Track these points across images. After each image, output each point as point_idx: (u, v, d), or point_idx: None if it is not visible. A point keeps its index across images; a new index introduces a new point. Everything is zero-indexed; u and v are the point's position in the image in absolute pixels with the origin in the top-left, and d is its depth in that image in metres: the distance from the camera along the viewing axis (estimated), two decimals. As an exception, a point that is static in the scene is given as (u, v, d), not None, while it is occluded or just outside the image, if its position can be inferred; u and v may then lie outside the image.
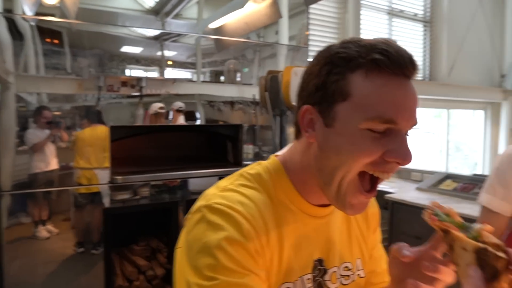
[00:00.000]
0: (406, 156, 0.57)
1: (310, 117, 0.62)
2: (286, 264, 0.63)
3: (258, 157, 2.34)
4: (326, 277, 0.70)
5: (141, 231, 2.26)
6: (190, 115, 2.18)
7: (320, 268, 0.69)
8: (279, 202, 0.65)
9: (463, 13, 4.71)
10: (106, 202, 1.90)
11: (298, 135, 0.67)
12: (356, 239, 0.78)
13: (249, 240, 0.57)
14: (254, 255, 0.57)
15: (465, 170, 5.65)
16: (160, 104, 2.07)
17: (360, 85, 0.57)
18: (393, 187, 2.93)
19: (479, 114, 5.66)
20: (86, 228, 1.87)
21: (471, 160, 5.85)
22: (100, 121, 1.88)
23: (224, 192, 0.63)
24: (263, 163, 0.70)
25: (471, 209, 2.29)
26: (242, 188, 0.64)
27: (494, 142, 5.56)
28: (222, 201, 0.60)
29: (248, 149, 2.36)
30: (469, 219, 1.76)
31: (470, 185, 2.74)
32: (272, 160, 0.70)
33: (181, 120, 2.16)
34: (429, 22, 4.61)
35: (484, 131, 5.63)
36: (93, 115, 1.87)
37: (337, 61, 0.59)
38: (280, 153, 0.73)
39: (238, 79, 2.37)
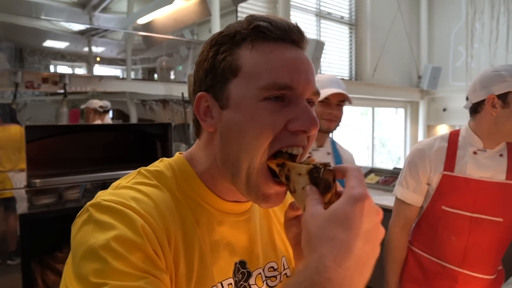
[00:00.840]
0: (310, 122, 0.53)
1: (206, 105, 0.57)
2: (200, 269, 0.56)
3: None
4: (251, 281, 0.63)
5: (66, 236, 2.13)
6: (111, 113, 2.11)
7: (243, 271, 0.63)
8: (186, 199, 0.58)
9: (384, 18, 5.04)
10: (23, 207, 1.76)
11: (198, 131, 0.62)
12: (279, 235, 0.71)
13: (144, 239, 0.48)
14: (152, 256, 0.49)
15: (390, 164, 6.06)
16: (100, 102, 1.98)
17: (248, 57, 0.54)
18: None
19: (401, 112, 6.10)
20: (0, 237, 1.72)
21: (395, 154, 6.28)
22: (14, 120, 1.75)
23: (117, 191, 0.55)
24: (166, 160, 0.63)
25: (391, 200, 2.45)
26: (139, 186, 0.56)
27: (414, 137, 6.02)
28: (112, 198, 0.51)
29: (180, 147, 2.33)
30: (389, 210, 1.88)
31: (391, 178, 2.95)
32: (176, 157, 0.64)
33: (107, 120, 2.08)
34: (354, 25, 4.87)
35: (405, 128, 6.08)
36: (6, 114, 1.73)
37: (222, 39, 0.56)
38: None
39: (172, 77, 2.32)
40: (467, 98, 1.39)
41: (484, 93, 1.31)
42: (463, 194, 1.34)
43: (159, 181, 0.58)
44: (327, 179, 0.47)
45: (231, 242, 0.62)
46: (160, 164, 0.62)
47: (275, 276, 0.67)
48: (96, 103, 2.00)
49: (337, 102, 1.52)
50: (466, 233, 1.34)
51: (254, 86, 0.53)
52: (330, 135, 1.66)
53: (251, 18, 0.55)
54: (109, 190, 0.56)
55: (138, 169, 0.61)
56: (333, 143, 1.64)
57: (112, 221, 0.49)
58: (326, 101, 1.51)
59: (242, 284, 0.62)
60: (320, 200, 0.46)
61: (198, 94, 0.57)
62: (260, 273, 0.65)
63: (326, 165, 0.48)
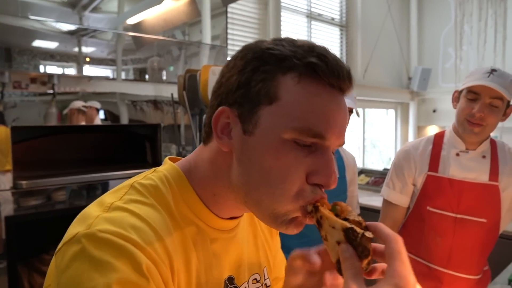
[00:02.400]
0: (331, 179, 0.50)
1: (227, 121, 0.52)
2: (202, 287, 0.54)
3: (181, 156, 2.30)
4: None
5: (54, 238, 2.11)
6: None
7: (230, 287, 0.61)
8: (183, 219, 0.54)
9: (375, 20, 5.07)
10: (9, 209, 1.74)
11: (207, 139, 0.57)
12: (262, 246, 0.71)
13: (150, 281, 0.43)
14: None
15: (381, 165, 6.10)
16: (82, 102, 1.96)
17: (291, 90, 0.49)
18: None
19: (391, 113, 6.14)
20: (-15, 239, 1.69)
21: (385, 155, 6.32)
22: (0, 121, 1.72)
23: (111, 213, 0.48)
24: (160, 170, 0.58)
25: (380, 201, 2.47)
26: (134, 205, 0.50)
27: (404, 138, 6.07)
28: (110, 228, 0.45)
29: (170, 148, 2.32)
30: (379, 211, 1.89)
31: (380, 179, 2.97)
32: (171, 167, 0.58)
33: (97, 120, 2.06)
34: (345, 26, 4.90)
35: (395, 129, 6.12)
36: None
37: (268, 58, 0.51)
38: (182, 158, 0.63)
39: (164, 77, 2.31)
40: None
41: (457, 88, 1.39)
42: (447, 195, 1.36)
43: (155, 199, 0.53)
44: (365, 246, 0.45)
45: (222, 258, 0.59)
46: (154, 177, 0.56)
47: (259, 287, 0.67)
48: (78, 103, 1.97)
49: None
50: (450, 233, 1.35)
51: (288, 123, 0.49)
52: None
53: (308, 49, 0.50)
54: (100, 211, 0.49)
55: (130, 181, 0.56)
56: None
57: (112, 259, 0.43)
58: None
59: None
60: (360, 270, 0.44)
61: (222, 107, 0.52)
62: (246, 287, 0.64)
63: (361, 225, 0.47)
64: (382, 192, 1.51)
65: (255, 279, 0.67)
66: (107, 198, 0.52)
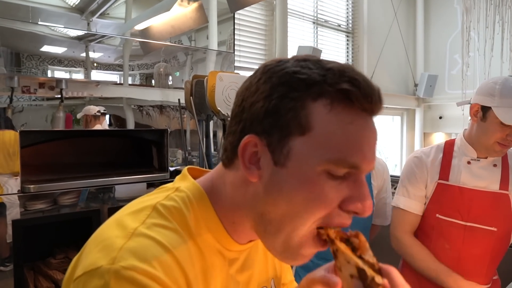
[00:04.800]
0: (366, 206, 0.49)
1: (254, 150, 0.50)
2: None
3: (186, 162, 2.31)
4: None
5: (60, 242, 2.12)
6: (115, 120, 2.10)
7: None
8: (205, 245, 0.52)
9: (381, 27, 5.07)
10: (16, 213, 1.75)
11: (228, 163, 0.55)
12: (271, 257, 0.70)
13: None
14: None
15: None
16: (97, 108, 1.98)
17: (324, 119, 0.47)
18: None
19: (397, 120, 6.12)
20: (-7, 242, 1.70)
21: (391, 162, 6.29)
22: (9, 125, 1.74)
23: (134, 241, 0.46)
24: (183, 190, 0.55)
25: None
26: (158, 231, 0.48)
27: (410, 145, 6.04)
28: (135, 264, 0.43)
29: (176, 154, 2.33)
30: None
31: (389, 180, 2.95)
32: (194, 187, 0.55)
33: (104, 125, 2.07)
34: (351, 33, 4.90)
35: (401, 135, 6.09)
36: (1, 119, 1.72)
37: (296, 83, 0.48)
38: (201, 175, 0.60)
39: (170, 82, 2.32)
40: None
41: (474, 99, 1.33)
42: (457, 203, 1.35)
43: (179, 223, 0.51)
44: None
45: (237, 280, 0.59)
46: (178, 198, 0.54)
47: None
48: (93, 109, 2.00)
49: None
50: (460, 241, 1.34)
51: (322, 155, 0.47)
52: None
53: (339, 73, 0.47)
54: (122, 237, 0.47)
55: (152, 199, 0.53)
56: None
57: None
58: None
59: None
60: None
61: (248, 136, 0.49)
62: None
63: (375, 267, 0.48)
64: (396, 202, 1.46)
65: None
66: (129, 221, 0.50)
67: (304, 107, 0.47)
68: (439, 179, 1.38)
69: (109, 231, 0.49)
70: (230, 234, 0.55)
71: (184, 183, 0.57)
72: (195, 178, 0.59)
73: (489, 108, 1.26)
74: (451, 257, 1.35)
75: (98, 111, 2.00)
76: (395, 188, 2.84)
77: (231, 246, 0.56)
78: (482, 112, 1.29)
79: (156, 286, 0.43)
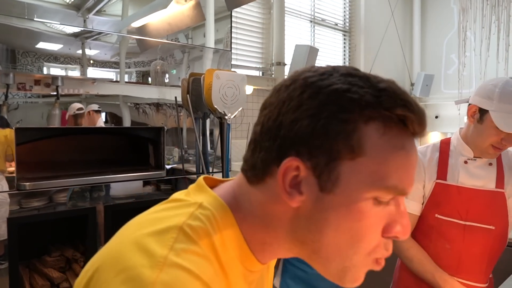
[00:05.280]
0: (406, 229, 0.47)
1: (295, 174, 0.46)
2: None
3: (182, 160, 2.31)
4: None
5: (55, 240, 2.11)
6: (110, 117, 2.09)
7: None
8: (230, 266, 0.48)
9: (378, 26, 5.08)
10: (12, 210, 1.74)
11: (257, 181, 0.50)
12: (268, 280, 0.67)
13: None
14: None
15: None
16: (79, 105, 1.95)
17: (376, 143, 0.44)
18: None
19: (393, 119, 6.14)
20: (-12, 240, 1.69)
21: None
22: (5, 122, 1.73)
23: (166, 273, 0.41)
24: (205, 205, 0.50)
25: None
26: (189, 260, 0.43)
27: (406, 145, 6.06)
28: None
29: (173, 152, 2.33)
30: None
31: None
32: (218, 203, 0.50)
33: (99, 122, 2.06)
34: (348, 31, 4.91)
35: (398, 134, 6.12)
36: (-3, 116, 1.71)
37: (347, 103, 0.44)
38: (219, 187, 0.55)
39: (167, 80, 2.32)
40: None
41: (472, 100, 1.31)
42: (455, 202, 1.35)
43: (207, 247, 0.46)
44: None
45: None
46: (203, 217, 0.48)
47: None
48: (74, 107, 1.97)
49: None
50: (460, 241, 1.34)
51: (374, 183, 0.44)
52: None
53: (392, 95, 0.45)
54: (154, 268, 0.41)
55: (179, 222, 0.47)
56: None
57: None
58: None
59: None
60: None
61: (290, 159, 0.45)
62: None
63: None
64: None
65: None
66: (154, 245, 0.44)
67: (356, 130, 0.44)
68: (437, 179, 1.38)
69: (131, 256, 0.43)
70: (255, 254, 0.51)
71: (205, 197, 0.51)
72: (211, 188, 0.54)
73: (487, 111, 1.25)
74: (452, 257, 1.36)
75: (79, 109, 1.98)
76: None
77: (254, 267, 0.52)
78: (480, 114, 1.28)
79: None
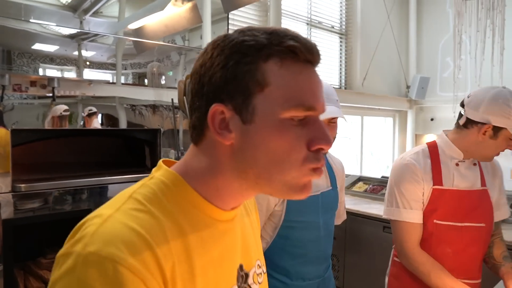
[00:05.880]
0: (328, 140, 0.56)
1: (222, 117, 0.55)
2: (209, 281, 0.57)
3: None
4: (249, 281, 0.66)
5: (51, 242, 2.10)
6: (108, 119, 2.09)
7: (242, 274, 0.64)
8: (189, 218, 0.56)
9: (374, 29, 5.11)
10: (7, 212, 1.73)
11: (197, 139, 0.59)
12: (257, 233, 0.75)
13: None
14: None
15: (378, 172, 6.11)
16: (64, 107, 1.94)
17: (277, 74, 0.53)
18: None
19: (389, 121, 6.16)
20: (-17, 242, 1.68)
21: (383, 163, 6.33)
22: (0, 123, 1.72)
23: (104, 226, 0.50)
24: (156, 177, 0.59)
25: (379, 209, 2.48)
26: (129, 215, 0.52)
27: (402, 146, 6.08)
28: (101, 248, 0.47)
29: (169, 153, 2.32)
30: (377, 219, 1.87)
31: (378, 187, 2.97)
32: (167, 172, 0.59)
33: (95, 124, 2.06)
34: (345, 34, 4.93)
35: (393, 137, 6.14)
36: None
37: (246, 49, 0.54)
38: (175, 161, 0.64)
39: (163, 82, 2.32)
40: (462, 105, 1.38)
41: (484, 119, 1.30)
42: (453, 205, 1.36)
43: (153, 205, 0.54)
44: None
45: (231, 249, 0.63)
46: (152, 184, 0.57)
47: (260, 273, 0.71)
48: (59, 108, 1.96)
49: (328, 120, 1.30)
50: (458, 243, 1.36)
51: (283, 105, 0.53)
52: None
53: (281, 34, 0.54)
54: (98, 225, 0.50)
55: (130, 192, 0.56)
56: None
57: (97, 284, 0.45)
58: None
59: (243, 286, 0.64)
60: None
61: (214, 106, 0.54)
62: (254, 271, 0.68)
63: None
64: (398, 216, 1.40)
65: (258, 264, 0.71)
66: (105, 210, 0.53)
67: (258, 68, 0.53)
68: (433, 185, 1.37)
69: (88, 221, 0.52)
70: (213, 202, 0.59)
71: (160, 172, 0.60)
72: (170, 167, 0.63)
73: (503, 128, 1.28)
74: (453, 259, 1.36)
75: (65, 110, 1.97)
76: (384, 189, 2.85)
77: (217, 215, 0.60)
78: (493, 132, 1.29)
79: (119, 267, 0.46)
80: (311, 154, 0.55)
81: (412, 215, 1.38)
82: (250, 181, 0.57)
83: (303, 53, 0.54)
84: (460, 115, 1.39)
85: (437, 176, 1.38)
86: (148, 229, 0.51)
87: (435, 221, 1.37)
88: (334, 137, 1.38)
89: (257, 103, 0.53)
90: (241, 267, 0.64)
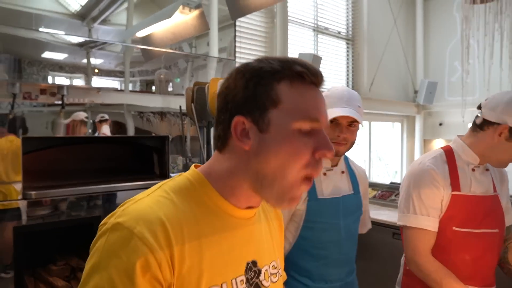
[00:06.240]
0: (331, 148, 0.67)
1: (243, 127, 0.67)
2: (211, 268, 0.66)
3: (187, 168, 2.31)
4: (261, 277, 0.75)
5: (61, 249, 2.11)
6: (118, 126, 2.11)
7: (255, 269, 0.74)
8: (203, 210, 0.68)
9: (381, 34, 5.10)
10: (18, 219, 1.75)
11: (221, 147, 0.71)
12: (276, 239, 0.85)
13: (146, 268, 0.58)
14: (154, 283, 0.59)
15: (387, 178, 6.07)
16: (85, 114, 1.98)
17: (288, 93, 0.66)
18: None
19: (397, 126, 6.13)
20: (-6, 249, 1.70)
21: (391, 168, 6.29)
22: (11, 131, 1.74)
23: (132, 206, 0.65)
24: (184, 174, 0.72)
25: (388, 215, 2.46)
26: (153, 199, 0.66)
27: (410, 152, 6.04)
28: (125, 220, 0.61)
29: (177, 160, 2.33)
30: (386, 225, 1.86)
31: (387, 193, 2.95)
32: (193, 172, 0.72)
33: (105, 131, 2.08)
34: (351, 40, 4.93)
35: (401, 142, 6.10)
36: (3, 125, 1.73)
37: (263, 74, 0.66)
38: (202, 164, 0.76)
39: (170, 89, 2.33)
40: (479, 107, 1.37)
41: (501, 119, 1.28)
42: (469, 212, 1.34)
43: (176, 195, 0.68)
44: None
45: (244, 243, 0.73)
46: (179, 179, 0.72)
47: (275, 273, 0.79)
48: (81, 114, 1.99)
49: (347, 123, 1.34)
50: (476, 250, 1.34)
51: (292, 118, 0.65)
52: None
53: (292, 62, 0.67)
54: (129, 204, 0.65)
55: (161, 183, 0.71)
56: (346, 159, 1.55)
57: (118, 249, 0.59)
58: (335, 121, 1.34)
59: (254, 281, 0.73)
60: None
61: (236, 117, 0.66)
62: (266, 270, 0.77)
63: None
64: (408, 221, 1.37)
65: (273, 265, 0.80)
66: (139, 195, 0.68)
67: (272, 89, 0.66)
68: (452, 191, 1.35)
69: (125, 203, 0.67)
70: (228, 199, 0.70)
71: (188, 172, 0.73)
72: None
73: None
74: (471, 267, 1.33)
75: (86, 117, 1.99)
76: (396, 195, 2.83)
77: (230, 210, 0.71)
78: (510, 133, 1.28)
79: (133, 236, 0.59)
80: (313, 161, 0.66)
81: (428, 222, 1.34)
82: (258, 182, 0.67)
83: (309, 77, 0.67)
84: (477, 118, 1.37)
85: (455, 181, 1.35)
86: (166, 212, 0.64)
87: (454, 228, 1.33)
88: (353, 142, 1.41)
89: (272, 116, 0.65)
90: (254, 263, 0.74)
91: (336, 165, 1.46)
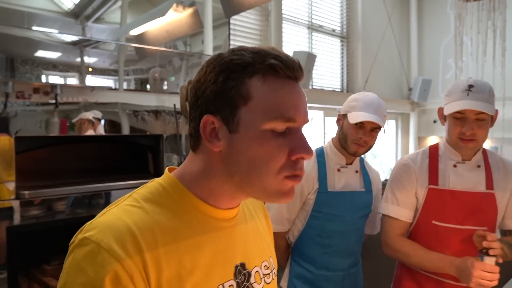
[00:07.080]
0: (309, 150, 0.61)
1: (212, 127, 0.61)
2: (195, 275, 0.60)
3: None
4: (252, 280, 0.70)
5: (55, 249, 2.10)
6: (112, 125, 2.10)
7: (244, 272, 0.68)
8: (180, 214, 0.63)
9: (375, 31, 5.11)
10: (11, 219, 1.73)
11: (195, 147, 0.65)
12: (265, 238, 0.79)
13: (116, 282, 0.53)
14: None
15: (381, 175, 6.09)
16: (92, 114, 1.98)
17: (260, 89, 0.59)
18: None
19: (392, 124, 6.15)
20: (-13, 249, 1.68)
21: (386, 166, 6.32)
22: (4, 130, 1.73)
23: (101, 218, 0.60)
24: (156, 180, 0.67)
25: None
26: (123, 209, 0.60)
27: (405, 149, 6.07)
28: (92, 234, 0.56)
29: (172, 158, 2.33)
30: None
31: (382, 190, 2.96)
32: (166, 176, 0.67)
33: (100, 130, 2.07)
34: (346, 37, 4.94)
35: (396, 139, 6.12)
36: (-2, 124, 1.71)
37: (233, 67, 0.60)
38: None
39: (165, 87, 2.32)
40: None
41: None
42: (450, 207, 1.36)
43: (147, 203, 0.62)
44: None
45: (229, 246, 0.67)
46: (150, 186, 0.66)
47: (269, 274, 0.74)
48: (89, 114, 2.00)
49: (371, 128, 1.44)
50: (458, 246, 1.35)
51: (264, 117, 0.59)
52: None
53: (264, 54, 0.60)
54: (97, 217, 0.60)
55: (132, 192, 0.65)
56: (362, 161, 1.61)
57: (84, 264, 0.54)
58: (360, 124, 1.43)
59: (245, 284, 0.68)
60: None
61: (205, 116, 0.61)
62: (257, 271, 0.72)
63: None
64: (385, 210, 1.46)
65: (266, 265, 0.74)
66: (108, 206, 0.63)
67: (243, 84, 0.59)
68: (429, 184, 1.39)
69: (95, 216, 0.62)
70: (207, 201, 0.65)
71: (162, 177, 0.68)
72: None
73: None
74: None
75: (94, 117, 2.00)
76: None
77: (210, 212, 0.65)
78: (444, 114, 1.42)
79: (101, 249, 0.54)
80: (290, 162, 0.61)
81: (399, 212, 1.42)
82: (236, 185, 0.63)
83: (283, 70, 0.60)
84: None
85: (433, 176, 1.40)
86: (135, 219, 0.59)
87: (433, 222, 1.37)
88: (371, 146, 1.50)
89: (242, 114, 0.59)
90: (242, 265, 0.68)
91: (351, 164, 1.54)
